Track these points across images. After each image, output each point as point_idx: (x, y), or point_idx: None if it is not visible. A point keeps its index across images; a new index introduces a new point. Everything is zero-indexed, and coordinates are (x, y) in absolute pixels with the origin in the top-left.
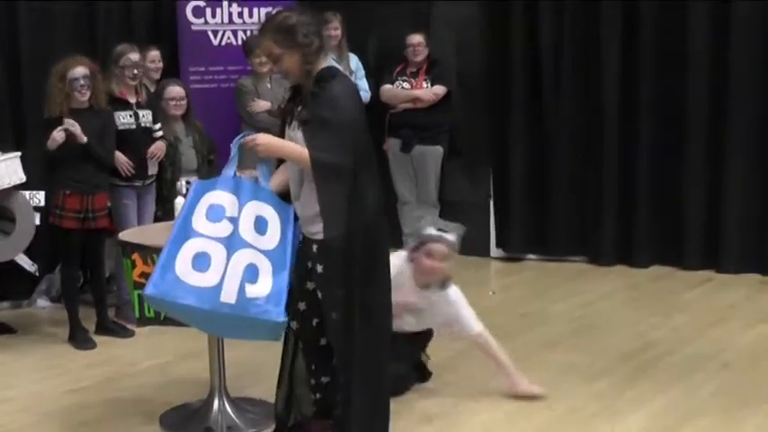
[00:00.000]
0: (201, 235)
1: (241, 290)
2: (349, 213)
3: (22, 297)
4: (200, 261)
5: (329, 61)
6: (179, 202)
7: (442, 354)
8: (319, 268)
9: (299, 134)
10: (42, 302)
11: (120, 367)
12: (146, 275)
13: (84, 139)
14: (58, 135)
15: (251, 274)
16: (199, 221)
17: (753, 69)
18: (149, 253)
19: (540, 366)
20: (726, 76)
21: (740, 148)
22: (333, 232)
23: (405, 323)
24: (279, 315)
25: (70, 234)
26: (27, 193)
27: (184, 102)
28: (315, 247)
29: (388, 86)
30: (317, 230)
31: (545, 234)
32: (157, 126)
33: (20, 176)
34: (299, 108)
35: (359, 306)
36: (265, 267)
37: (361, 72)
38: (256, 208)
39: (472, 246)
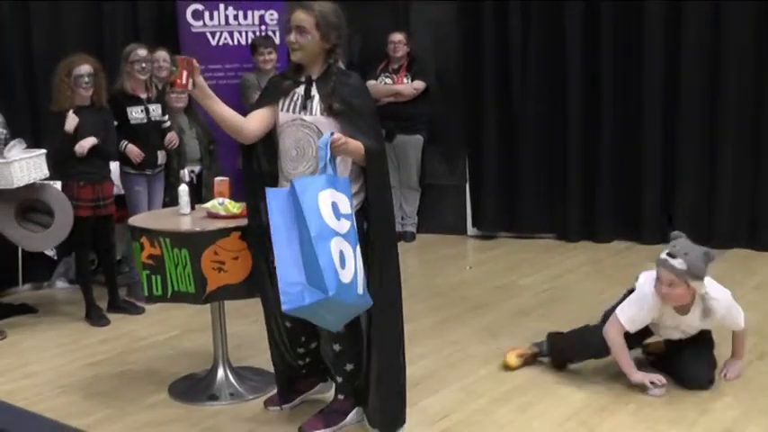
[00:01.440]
0: (336, 234)
1: (364, 281)
2: (389, 192)
3: (43, 279)
4: (342, 259)
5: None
6: (183, 189)
7: (426, 321)
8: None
9: (321, 119)
10: (61, 284)
11: (132, 342)
12: (153, 257)
13: (95, 141)
14: (72, 120)
15: (362, 266)
16: (331, 219)
17: (701, 62)
18: (155, 236)
19: (513, 333)
20: (677, 68)
21: (691, 133)
22: (383, 211)
23: (679, 334)
24: (369, 300)
25: (83, 222)
26: (51, 183)
27: (186, 95)
28: None
29: (372, 82)
30: None
31: (516, 214)
32: (165, 117)
33: (44, 172)
34: (313, 91)
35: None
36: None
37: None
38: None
39: (450, 225)
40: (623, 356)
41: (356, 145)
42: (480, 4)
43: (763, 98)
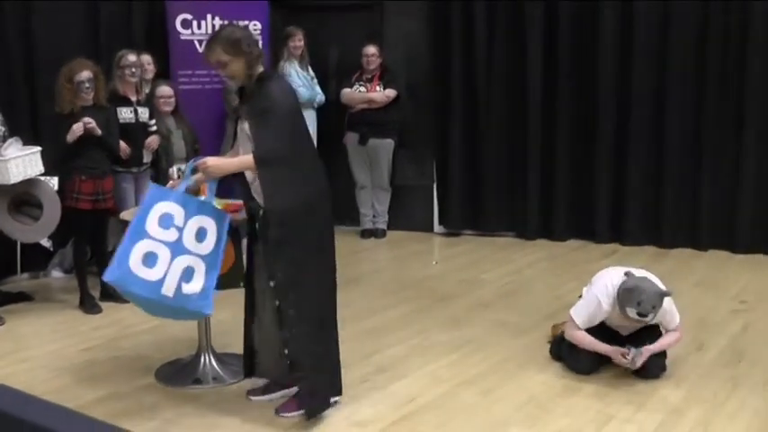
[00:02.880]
0: (152, 237)
1: (178, 287)
2: (288, 192)
3: (39, 269)
4: (149, 259)
5: (290, 68)
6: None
7: (395, 311)
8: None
9: (245, 125)
10: (56, 273)
11: (122, 329)
12: None
13: (99, 131)
14: (77, 128)
15: (188, 275)
16: (152, 225)
17: (650, 68)
18: None
19: (476, 323)
20: (629, 78)
21: (639, 137)
22: (272, 207)
23: (626, 332)
24: (207, 308)
25: (83, 214)
26: (43, 179)
27: (173, 99)
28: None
29: (347, 90)
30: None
31: (479, 213)
32: (152, 121)
33: (40, 168)
34: (242, 103)
35: (303, 267)
36: (200, 269)
37: (316, 80)
38: (199, 221)
39: (419, 223)
40: (593, 344)
41: (228, 163)
42: (449, 20)
43: (704, 105)
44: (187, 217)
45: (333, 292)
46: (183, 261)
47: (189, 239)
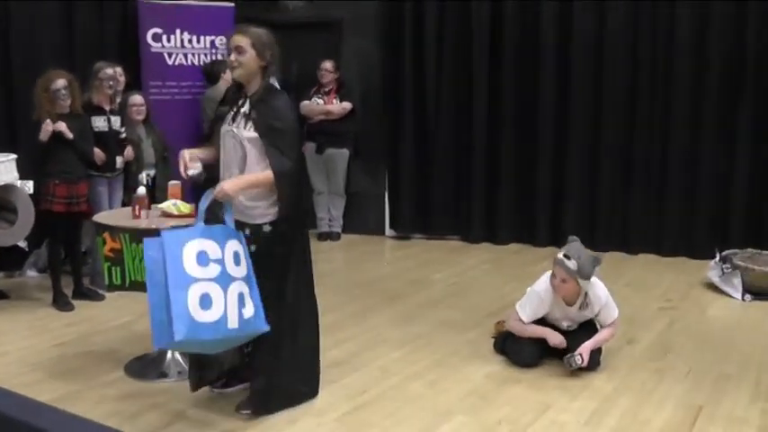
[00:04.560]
0: (198, 279)
1: (240, 315)
2: (298, 206)
3: (15, 268)
4: (205, 301)
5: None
6: (141, 191)
7: (348, 309)
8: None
9: (244, 132)
10: (31, 273)
11: (94, 325)
12: (114, 251)
13: (71, 135)
14: (46, 125)
15: (241, 300)
16: (192, 268)
17: (588, 73)
18: (117, 232)
19: (425, 320)
20: (568, 90)
21: (576, 148)
22: (287, 220)
23: (566, 325)
24: (264, 324)
25: (57, 216)
26: (19, 183)
27: (144, 108)
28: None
29: (306, 102)
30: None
31: (428, 218)
32: (122, 129)
33: (14, 175)
34: (245, 108)
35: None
36: (246, 291)
37: None
38: (231, 246)
39: (371, 227)
40: (533, 330)
41: (246, 181)
42: (401, 39)
43: (635, 114)
44: (221, 246)
45: (313, 300)
46: (233, 290)
47: (230, 267)
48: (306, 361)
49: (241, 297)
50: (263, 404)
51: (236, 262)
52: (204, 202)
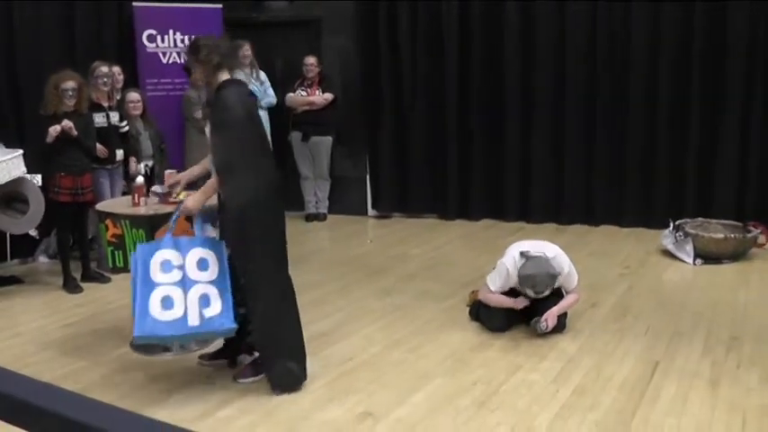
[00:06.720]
0: (161, 284)
1: (201, 314)
2: (242, 191)
3: (28, 255)
4: (166, 302)
5: (237, 75)
6: (139, 180)
7: (334, 284)
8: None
9: (207, 129)
10: (42, 259)
11: (101, 306)
12: (116, 236)
13: (75, 133)
14: (53, 130)
15: (205, 301)
16: (156, 275)
17: (549, 62)
18: (118, 219)
19: (405, 292)
20: (531, 79)
21: (540, 132)
22: (231, 206)
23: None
24: (231, 322)
25: (64, 206)
26: (28, 176)
27: (140, 104)
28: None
29: (290, 95)
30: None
31: (406, 198)
32: (124, 123)
33: (22, 170)
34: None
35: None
36: (213, 293)
37: (268, 83)
38: (197, 254)
39: (354, 208)
40: (501, 300)
41: (203, 193)
42: (375, 34)
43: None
44: (183, 255)
45: (285, 271)
46: (195, 291)
47: (192, 272)
48: (292, 336)
49: (204, 298)
50: (278, 379)
51: (202, 267)
52: (174, 217)
